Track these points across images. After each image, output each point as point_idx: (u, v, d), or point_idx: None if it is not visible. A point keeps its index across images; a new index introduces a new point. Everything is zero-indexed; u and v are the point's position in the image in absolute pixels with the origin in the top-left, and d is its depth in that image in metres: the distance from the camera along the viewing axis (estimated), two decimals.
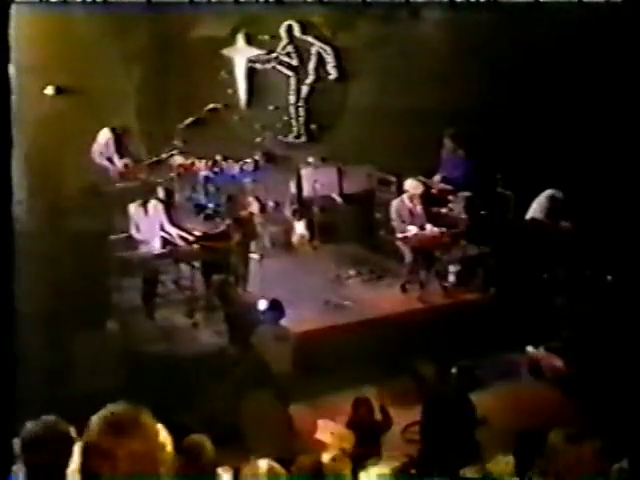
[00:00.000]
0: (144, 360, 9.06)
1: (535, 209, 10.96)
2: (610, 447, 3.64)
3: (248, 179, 11.81)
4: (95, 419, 2.62)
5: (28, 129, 9.12)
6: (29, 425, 3.52)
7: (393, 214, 10.74)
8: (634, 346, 8.56)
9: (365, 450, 6.18)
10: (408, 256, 10.64)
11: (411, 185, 10.78)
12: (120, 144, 11.81)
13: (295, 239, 11.88)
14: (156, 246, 10.12)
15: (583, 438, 3.38)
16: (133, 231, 10.12)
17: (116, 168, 11.71)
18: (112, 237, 10.49)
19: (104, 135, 11.69)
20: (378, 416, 7.47)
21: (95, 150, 11.63)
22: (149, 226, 10.11)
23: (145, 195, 10.45)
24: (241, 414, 4.65)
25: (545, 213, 10.87)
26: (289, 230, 12.02)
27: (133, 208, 10.13)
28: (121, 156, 11.77)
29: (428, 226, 10.69)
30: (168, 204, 10.37)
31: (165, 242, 10.19)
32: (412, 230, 10.60)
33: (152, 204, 10.18)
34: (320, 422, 5.15)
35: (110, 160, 11.75)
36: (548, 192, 10.91)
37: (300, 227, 11.93)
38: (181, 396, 8.02)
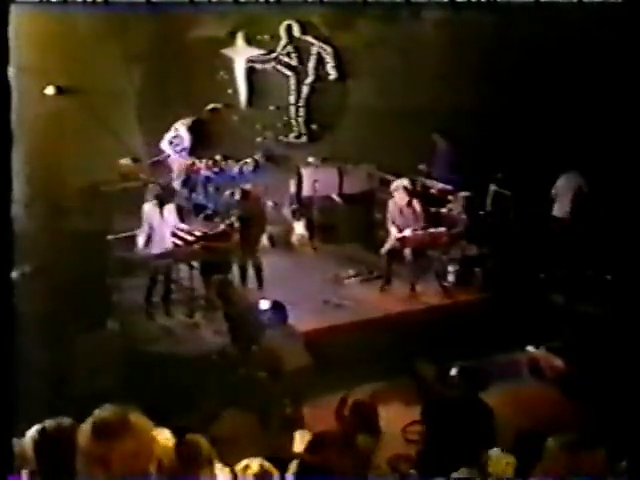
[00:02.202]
0: (144, 360, 9.06)
1: (561, 201, 10.94)
2: (611, 455, 3.61)
3: (248, 179, 11.80)
4: (84, 426, 2.62)
5: (28, 129, 9.11)
6: (41, 426, 3.53)
7: (388, 215, 10.79)
8: (634, 346, 8.56)
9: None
10: (384, 250, 10.66)
11: (394, 186, 10.79)
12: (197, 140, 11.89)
13: (295, 239, 11.88)
14: (168, 248, 10.12)
15: (581, 446, 3.36)
16: (144, 231, 10.04)
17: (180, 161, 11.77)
18: (112, 237, 10.50)
19: (183, 129, 11.77)
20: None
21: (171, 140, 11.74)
22: (162, 229, 10.09)
23: (146, 195, 10.45)
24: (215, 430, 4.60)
25: (572, 207, 10.88)
26: (289, 230, 12.03)
27: (148, 207, 10.09)
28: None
29: (413, 229, 10.64)
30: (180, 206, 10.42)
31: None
32: (404, 232, 10.60)
33: (167, 208, 10.14)
34: (298, 433, 5.07)
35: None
36: (572, 181, 10.92)
37: (300, 227, 11.94)
38: (181, 396, 8.02)
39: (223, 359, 9.01)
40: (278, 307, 8.60)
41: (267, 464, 4.11)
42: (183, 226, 10.22)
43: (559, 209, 11.21)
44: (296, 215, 12.00)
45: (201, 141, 11.92)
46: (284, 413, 8.23)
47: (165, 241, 10.09)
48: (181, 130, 11.78)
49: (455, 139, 11.74)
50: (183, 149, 11.81)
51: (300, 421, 8.17)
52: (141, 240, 10.04)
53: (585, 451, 3.36)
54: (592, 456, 3.36)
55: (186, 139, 11.77)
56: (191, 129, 11.81)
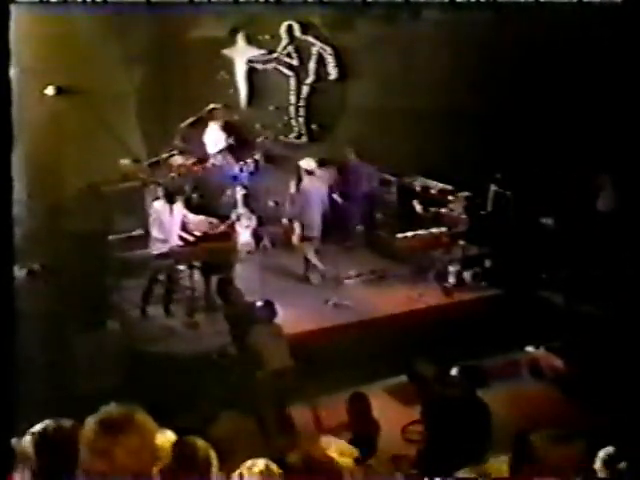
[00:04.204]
0: (144, 360, 9.07)
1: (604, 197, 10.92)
2: (594, 446, 3.63)
3: (248, 179, 11.81)
4: (89, 421, 2.64)
5: (28, 129, 9.12)
6: (43, 425, 3.53)
7: None
8: (634, 346, 8.57)
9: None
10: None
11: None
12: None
13: (295, 239, 11.86)
14: (174, 245, 10.12)
15: (566, 439, 3.38)
16: (154, 228, 10.05)
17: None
18: (112, 237, 10.50)
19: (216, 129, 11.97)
20: (375, 413, 7.44)
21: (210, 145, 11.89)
22: (170, 225, 10.10)
23: (146, 195, 10.46)
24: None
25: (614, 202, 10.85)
26: (289, 230, 12.02)
27: (158, 205, 10.09)
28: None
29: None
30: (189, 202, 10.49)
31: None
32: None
33: (176, 205, 10.15)
34: (324, 438, 5.08)
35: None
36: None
37: (300, 227, 11.91)
38: (181, 396, 8.03)
39: (223, 359, 9.01)
40: (267, 304, 8.65)
41: (273, 465, 4.11)
42: (192, 217, 10.22)
43: (602, 205, 11.09)
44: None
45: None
46: (280, 414, 8.25)
47: (173, 238, 10.10)
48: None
49: (449, 140, 11.75)
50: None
51: (288, 422, 8.19)
52: (155, 234, 10.02)
53: (571, 442, 3.39)
54: (579, 447, 3.39)
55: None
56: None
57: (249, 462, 3.91)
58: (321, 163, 12.00)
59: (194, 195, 11.72)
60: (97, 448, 2.58)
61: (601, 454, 4.71)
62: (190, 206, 10.51)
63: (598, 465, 4.71)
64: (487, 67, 11.12)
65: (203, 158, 12.01)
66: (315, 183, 11.16)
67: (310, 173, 11.22)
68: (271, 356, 8.26)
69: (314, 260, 11.07)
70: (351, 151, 12.03)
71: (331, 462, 3.42)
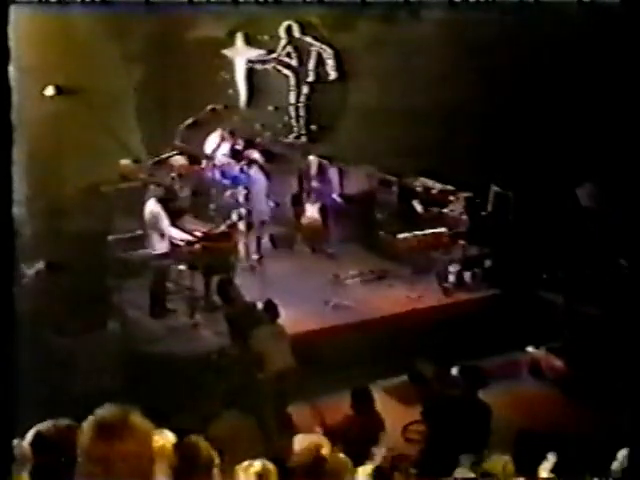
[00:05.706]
0: (145, 360, 9.07)
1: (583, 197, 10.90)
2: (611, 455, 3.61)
3: (248, 179, 11.80)
4: (86, 425, 2.63)
5: (28, 129, 9.10)
6: (41, 426, 3.53)
7: None
8: (634, 346, 8.56)
9: (360, 448, 6.16)
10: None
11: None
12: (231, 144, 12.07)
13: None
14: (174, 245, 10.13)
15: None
16: (151, 229, 10.01)
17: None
18: (112, 237, 10.50)
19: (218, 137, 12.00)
20: (379, 407, 7.44)
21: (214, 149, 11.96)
22: (166, 228, 10.09)
23: (148, 196, 10.46)
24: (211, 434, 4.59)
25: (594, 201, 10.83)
26: (289, 230, 12.03)
27: (151, 208, 10.06)
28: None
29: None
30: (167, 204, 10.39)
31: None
32: None
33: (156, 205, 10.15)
34: (298, 437, 5.09)
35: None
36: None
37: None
38: (181, 396, 8.02)
39: (223, 359, 9.01)
40: (270, 304, 8.65)
41: (269, 465, 4.11)
42: (173, 232, 10.15)
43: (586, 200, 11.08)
44: (311, 198, 11.92)
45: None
46: (281, 414, 8.24)
47: (168, 241, 10.09)
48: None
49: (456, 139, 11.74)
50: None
51: (288, 422, 8.19)
52: (154, 235, 10.01)
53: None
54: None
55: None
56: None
57: (246, 463, 3.91)
58: (268, 158, 12.03)
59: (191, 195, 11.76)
60: (93, 455, 2.57)
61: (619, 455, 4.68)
62: (167, 207, 10.45)
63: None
64: (487, 67, 11.12)
65: (203, 158, 11.99)
66: (258, 174, 11.29)
67: (254, 162, 11.37)
68: (274, 357, 8.27)
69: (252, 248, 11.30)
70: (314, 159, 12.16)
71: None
